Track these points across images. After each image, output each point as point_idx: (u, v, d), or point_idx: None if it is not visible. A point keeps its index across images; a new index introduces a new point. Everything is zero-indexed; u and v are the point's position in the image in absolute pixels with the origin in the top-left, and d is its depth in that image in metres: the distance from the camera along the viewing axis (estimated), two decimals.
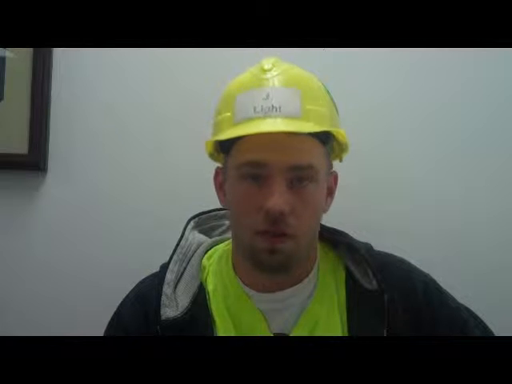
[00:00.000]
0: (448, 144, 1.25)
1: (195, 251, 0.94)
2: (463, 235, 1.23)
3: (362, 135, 1.14)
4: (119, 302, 0.94)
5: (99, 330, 0.93)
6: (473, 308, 0.95)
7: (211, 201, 0.95)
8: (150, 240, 1.25)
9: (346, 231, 0.95)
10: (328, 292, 0.89)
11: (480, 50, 1.19)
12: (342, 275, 0.91)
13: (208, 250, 0.96)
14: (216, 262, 0.94)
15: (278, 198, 0.79)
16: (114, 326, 0.92)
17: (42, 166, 1.28)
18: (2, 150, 1.28)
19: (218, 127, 0.86)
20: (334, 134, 0.85)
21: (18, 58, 1.29)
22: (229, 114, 0.84)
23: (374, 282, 0.88)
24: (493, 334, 0.92)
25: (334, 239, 0.94)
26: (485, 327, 0.92)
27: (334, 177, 0.92)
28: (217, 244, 0.97)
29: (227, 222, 1.01)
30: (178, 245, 0.94)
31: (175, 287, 0.89)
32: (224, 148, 0.87)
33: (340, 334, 0.86)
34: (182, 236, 0.96)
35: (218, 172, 0.92)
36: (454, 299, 0.93)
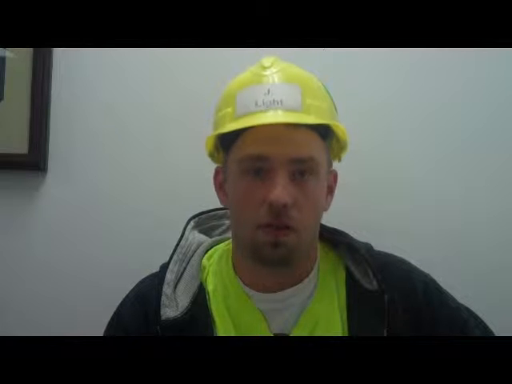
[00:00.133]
0: (448, 144, 1.25)
1: (195, 251, 0.94)
2: (463, 235, 1.23)
3: (362, 135, 1.14)
4: (119, 302, 0.94)
5: (99, 330, 0.93)
6: (473, 308, 0.95)
7: (211, 201, 0.95)
8: (149, 240, 1.25)
9: (346, 231, 0.95)
10: (328, 292, 0.89)
11: (480, 50, 1.19)
12: (343, 275, 0.91)
13: (208, 250, 0.96)
14: (216, 262, 0.94)
15: (281, 191, 0.79)
16: (113, 326, 0.91)
17: (42, 166, 1.28)
18: (2, 149, 1.28)
19: (218, 123, 0.86)
20: (334, 129, 0.86)
21: (18, 58, 1.29)
22: (230, 109, 0.84)
23: (375, 282, 0.88)
24: (493, 334, 0.92)
25: (334, 239, 0.94)
26: (485, 327, 0.92)
27: (334, 175, 0.92)
28: (217, 244, 0.97)
29: (227, 222, 1.01)
30: (177, 245, 0.94)
31: (175, 287, 0.89)
32: (225, 144, 0.87)
33: (340, 334, 0.86)
34: (181, 236, 0.96)
35: (217, 171, 0.92)
36: (454, 299, 0.93)
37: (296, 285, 0.88)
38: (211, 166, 0.94)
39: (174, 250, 0.93)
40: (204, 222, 1.00)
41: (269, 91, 0.81)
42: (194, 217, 0.99)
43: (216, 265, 0.93)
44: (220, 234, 1.00)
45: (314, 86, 0.86)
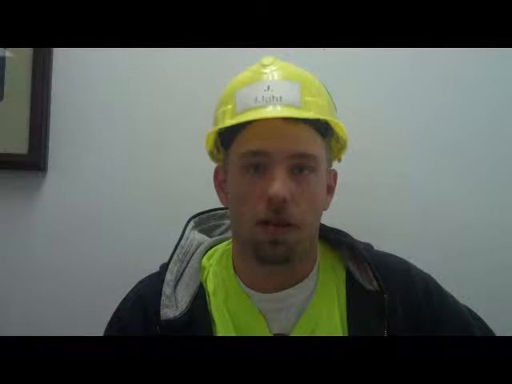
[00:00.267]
0: (448, 144, 1.25)
1: (195, 251, 0.94)
2: (463, 235, 1.23)
3: (361, 135, 1.14)
4: (119, 302, 0.94)
5: (99, 330, 0.93)
6: (473, 308, 0.95)
7: (211, 201, 0.95)
8: (150, 240, 1.25)
9: (346, 231, 0.95)
10: (328, 292, 0.89)
11: (480, 50, 1.19)
12: (343, 275, 0.91)
13: (208, 250, 0.96)
14: (216, 262, 0.94)
15: (281, 185, 0.79)
16: (113, 326, 0.91)
17: (42, 166, 1.28)
18: (1, 149, 1.28)
19: (219, 120, 0.86)
20: (334, 127, 0.86)
21: (18, 58, 1.29)
22: (230, 106, 0.84)
23: (375, 283, 0.88)
24: (494, 334, 0.92)
25: (335, 239, 0.94)
26: (486, 328, 0.92)
27: (334, 175, 0.92)
28: (217, 244, 0.97)
29: (227, 222, 1.01)
30: (177, 245, 0.94)
31: (175, 287, 0.89)
32: (225, 142, 0.88)
33: (340, 334, 0.86)
34: (181, 236, 0.96)
35: (217, 171, 0.92)
36: (455, 299, 0.93)
37: (296, 285, 0.88)
38: (211, 166, 0.94)
39: (174, 250, 0.93)
40: (204, 221, 1.00)
41: (268, 88, 0.82)
42: (194, 217, 0.99)
43: (216, 265, 0.93)
44: (220, 234, 1.00)
45: (313, 84, 0.86)
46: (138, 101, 1.29)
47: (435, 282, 0.93)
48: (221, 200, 0.92)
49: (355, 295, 0.88)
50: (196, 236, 0.97)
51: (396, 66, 1.26)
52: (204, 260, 0.94)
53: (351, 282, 0.89)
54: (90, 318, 1.08)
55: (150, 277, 0.95)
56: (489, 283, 1.21)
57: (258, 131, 0.82)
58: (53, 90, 1.30)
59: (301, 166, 0.82)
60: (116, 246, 1.27)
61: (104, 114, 1.29)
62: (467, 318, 0.91)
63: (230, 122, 0.83)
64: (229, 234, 0.98)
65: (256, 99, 0.81)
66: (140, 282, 0.95)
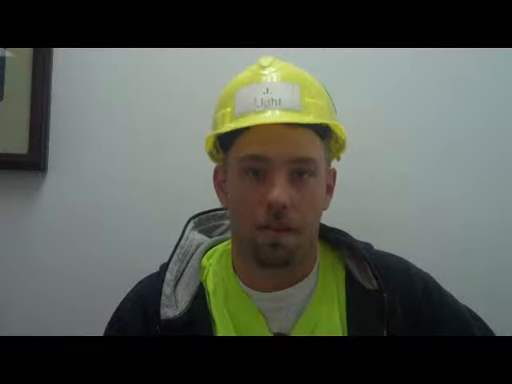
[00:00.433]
0: (448, 144, 1.25)
1: (195, 251, 0.94)
2: (463, 235, 1.23)
3: (362, 135, 1.14)
4: (119, 302, 0.94)
5: (99, 330, 0.93)
6: (473, 308, 0.95)
7: (211, 201, 0.95)
8: (149, 240, 1.25)
9: (346, 231, 0.95)
10: (328, 291, 0.89)
11: (480, 50, 1.19)
12: (342, 275, 0.91)
13: (208, 250, 0.96)
14: (216, 262, 0.94)
15: (280, 191, 0.79)
16: (113, 326, 0.91)
17: (42, 166, 1.28)
18: (1, 149, 1.28)
19: (218, 123, 0.86)
20: (333, 128, 0.86)
21: (18, 58, 1.29)
22: (229, 109, 0.84)
23: (374, 282, 0.88)
24: (494, 334, 0.92)
25: (334, 239, 0.94)
26: (486, 327, 0.92)
27: (333, 174, 0.92)
28: (217, 244, 0.97)
29: (227, 222, 1.01)
30: (177, 245, 0.94)
31: (175, 287, 0.89)
32: (224, 144, 0.87)
33: (340, 334, 0.86)
34: (181, 236, 0.96)
35: (217, 171, 0.92)
36: (454, 299, 0.93)
37: (296, 284, 0.88)
38: (211, 166, 0.94)
39: (174, 250, 0.93)
40: (204, 222, 1.00)
41: (267, 90, 0.81)
42: (193, 217, 0.99)
43: (216, 264, 0.93)
44: (220, 235, 1.00)
45: (312, 84, 0.86)
46: (138, 101, 1.29)
47: (434, 282, 0.93)
48: (220, 200, 0.92)
49: (355, 294, 0.88)
50: (196, 236, 0.97)
51: (396, 66, 1.26)
52: (204, 260, 0.94)
53: (351, 282, 0.89)
54: (89, 318, 1.08)
55: (150, 277, 0.95)
56: (489, 283, 1.21)
57: (256, 136, 0.81)
58: (53, 90, 1.30)
59: (301, 171, 0.82)
60: (116, 246, 1.27)
61: (104, 114, 1.29)
62: (467, 317, 0.91)
63: (228, 126, 0.82)
64: (228, 234, 0.98)
65: (255, 102, 0.81)
66: (140, 282, 0.95)
